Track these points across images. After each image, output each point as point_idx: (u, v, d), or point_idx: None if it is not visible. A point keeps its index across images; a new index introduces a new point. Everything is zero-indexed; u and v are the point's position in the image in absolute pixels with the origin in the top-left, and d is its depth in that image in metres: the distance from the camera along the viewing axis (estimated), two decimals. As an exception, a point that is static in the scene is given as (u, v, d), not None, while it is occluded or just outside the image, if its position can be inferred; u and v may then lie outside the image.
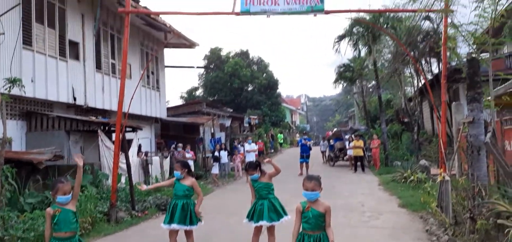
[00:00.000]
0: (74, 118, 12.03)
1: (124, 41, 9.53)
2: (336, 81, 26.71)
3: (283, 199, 6.15)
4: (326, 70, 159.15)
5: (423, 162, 14.39)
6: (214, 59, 39.94)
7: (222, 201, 11.90)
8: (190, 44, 19.72)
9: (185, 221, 5.69)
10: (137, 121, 15.85)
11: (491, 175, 7.49)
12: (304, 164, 17.73)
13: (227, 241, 7.39)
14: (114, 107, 13.81)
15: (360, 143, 18.14)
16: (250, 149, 18.31)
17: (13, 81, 8.04)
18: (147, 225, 8.98)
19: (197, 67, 38.16)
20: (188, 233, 5.87)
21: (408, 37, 15.74)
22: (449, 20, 8.66)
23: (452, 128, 10.05)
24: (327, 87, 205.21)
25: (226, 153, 17.40)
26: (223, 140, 21.30)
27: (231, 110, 30.76)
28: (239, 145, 20.92)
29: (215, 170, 16.13)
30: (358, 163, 18.09)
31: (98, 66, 14.26)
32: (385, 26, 18.65)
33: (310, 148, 18.60)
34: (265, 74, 40.72)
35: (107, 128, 12.38)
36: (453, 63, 13.68)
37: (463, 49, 9.45)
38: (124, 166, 10.70)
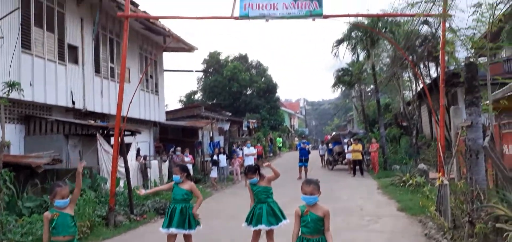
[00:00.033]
0: (72, 122, 12.02)
1: (123, 45, 9.55)
2: (334, 85, 26.80)
3: (282, 203, 6.15)
4: (324, 74, 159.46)
5: (421, 166, 14.40)
6: (213, 63, 39.99)
7: (220, 205, 11.88)
8: (189, 48, 19.74)
9: (183, 225, 5.68)
10: (136, 125, 15.84)
11: (490, 179, 7.51)
12: (303, 168, 17.72)
13: (225, 245, 7.37)
14: (113, 111, 13.80)
15: (359, 147, 18.15)
16: (248, 153, 18.31)
17: (12, 85, 8.03)
18: (145, 229, 8.96)
19: (196, 71, 38.19)
20: (187, 237, 5.86)
21: (406, 42, 15.78)
22: (447, 25, 8.70)
23: (450, 132, 10.07)
24: (325, 91, 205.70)
25: (224, 157, 17.40)
26: (222, 144, 21.31)
27: (230, 114, 30.76)
28: (238, 149, 20.91)
29: (214, 174, 16.11)
30: (357, 167, 18.08)
31: (97, 70, 14.26)
32: (383, 30, 18.71)
33: (309, 152, 18.59)
34: (264, 78, 40.76)
35: (105, 132, 12.37)
36: (451, 67, 13.70)
37: (461, 54, 9.48)
38: (122, 170, 10.69)
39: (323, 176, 17.18)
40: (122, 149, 10.11)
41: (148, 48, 18.14)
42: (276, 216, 5.70)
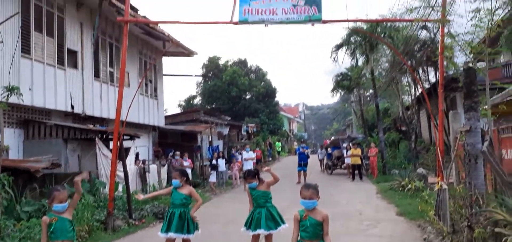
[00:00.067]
0: (71, 126, 12.02)
1: (122, 50, 9.56)
2: (333, 89, 26.85)
3: (280, 207, 6.14)
4: (323, 78, 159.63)
5: (420, 170, 14.40)
6: (212, 67, 40.03)
7: (219, 209, 11.86)
8: (189, 53, 19.77)
9: (182, 229, 5.67)
10: (135, 129, 15.83)
11: (489, 183, 7.51)
12: (302, 172, 17.70)
13: (224, 250, 7.35)
14: (112, 115, 13.80)
15: (358, 151, 18.15)
16: (248, 157, 18.28)
17: (11, 89, 8.03)
18: (144, 234, 8.93)
19: (195, 76, 38.36)
20: (186, 242, 5.85)
21: (405, 47, 15.83)
22: (446, 30, 8.74)
23: (449, 136, 10.08)
24: (325, 96, 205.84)
25: (223, 161, 17.37)
26: (221, 148, 21.26)
27: (229, 118, 30.76)
28: (237, 153, 20.89)
29: (213, 178, 16.09)
30: (356, 172, 18.07)
31: (96, 75, 14.27)
32: (382, 35, 18.77)
33: (308, 156, 18.59)
34: (263, 83, 40.79)
35: (104, 136, 12.36)
36: (450, 72, 13.73)
37: (460, 59, 9.51)
38: (121, 174, 10.67)
39: (322, 181, 17.17)
40: (121, 154, 10.10)
41: (147, 53, 18.16)
42: (275, 220, 5.70)
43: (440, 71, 9.24)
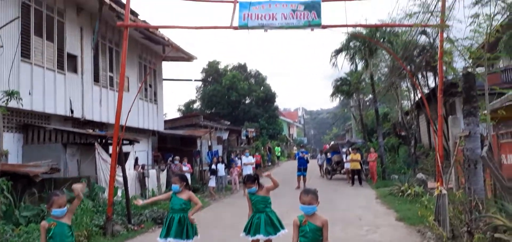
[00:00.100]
0: (71, 130, 12.01)
1: (122, 54, 9.57)
2: (333, 94, 26.85)
3: (280, 212, 6.13)
4: (323, 83, 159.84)
5: (420, 175, 14.39)
6: (212, 72, 40.08)
7: (218, 214, 11.83)
8: (188, 58, 19.80)
9: (181, 235, 5.65)
10: (134, 133, 15.83)
11: (488, 188, 7.51)
12: (302, 177, 17.67)
13: (224, 255, 7.33)
14: (112, 120, 13.80)
15: (358, 156, 18.14)
16: (247, 162, 18.27)
17: (10, 94, 8.03)
18: (143, 239, 8.90)
19: (195, 80, 38.25)
20: (185, 247, 5.82)
21: (404, 52, 15.87)
22: (445, 35, 8.76)
23: (449, 141, 10.09)
24: (324, 100, 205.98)
25: (223, 166, 17.35)
26: (220, 153, 21.28)
27: (229, 123, 30.75)
28: (236, 158, 20.87)
29: (212, 183, 16.06)
30: (356, 177, 18.06)
31: (96, 79, 14.28)
32: (381, 40, 18.81)
33: (307, 161, 18.56)
34: (262, 87, 40.85)
35: (104, 141, 12.35)
36: (449, 77, 13.77)
37: (459, 64, 9.53)
38: (120, 179, 10.65)
39: (322, 186, 17.15)
40: (120, 158, 10.09)
41: (147, 57, 18.18)
42: (274, 225, 5.68)
43: (439, 76, 9.25)
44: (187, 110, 39.19)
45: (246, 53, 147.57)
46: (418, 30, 13.75)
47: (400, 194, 12.79)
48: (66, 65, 12.66)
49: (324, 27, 8.92)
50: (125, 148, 13.14)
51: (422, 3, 10.12)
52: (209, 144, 21.56)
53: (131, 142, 13.86)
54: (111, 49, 15.38)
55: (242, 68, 41.42)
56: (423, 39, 16.49)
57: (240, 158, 19.95)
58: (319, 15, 8.86)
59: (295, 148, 46.35)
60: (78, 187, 4.49)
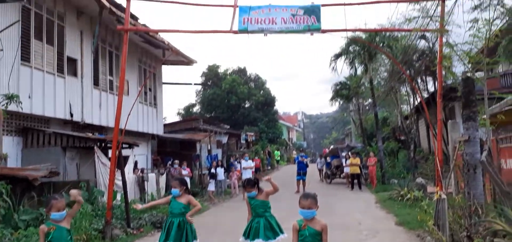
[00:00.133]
0: (70, 134, 12.00)
1: (122, 58, 9.58)
2: (332, 98, 26.89)
3: (279, 216, 6.12)
4: (322, 87, 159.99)
5: (419, 180, 14.39)
6: (212, 76, 40.13)
7: (218, 218, 11.82)
8: (188, 61, 19.82)
9: (181, 239, 5.63)
10: (134, 137, 15.81)
11: (488, 193, 7.50)
12: (301, 181, 17.66)
13: (223, 259, 7.30)
14: (111, 124, 13.79)
15: (357, 160, 18.14)
16: (246, 166, 18.26)
17: (10, 97, 8.04)
18: (142, 243, 8.89)
19: (195, 84, 38.32)
20: (184, 251, 5.80)
21: (404, 56, 15.90)
22: (444, 40, 8.78)
23: (448, 146, 10.10)
24: (324, 105, 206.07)
25: (222, 170, 17.34)
26: (219, 157, 21.25)
27: (228, 127, 30.76)
28: (236, 162, 20.87)
29: (212, 187, 16.04)
30: (355, 181, 18.04)
31: (96, 83, 14.29)
32: (381, 45, 18.84)
33: (307, 165, 18.55)
34: (262, 91, 40.88)
35: (103, 144, 12.33)
36: (449, 82, 13.80)
37: (458, 68, 9.59)
38: (120, 183, 10.64)
39: (321, 190, 17.14)
40: (120, 162, 10.08)
41: (147, 61, 18.20)
42: (273, 230, 5.67)
43: (438, 80, 9.26)
44: (187, 114, 39.20)
45: (246, 57, 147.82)
46: (417, 34, 13.78)
47: (399, 198, 12.78)
48: (66, 68, 12.67)
49: (324, 31, 8.94)
50: (125, 152, 13.12)
51: (422, 8, 10.14)
52: (209, 148, 21.55)
53: (131, 146, 13.84)
54: (111, 52, 15.40)
55: (241, 72, 41.47)
56: (422, 43, 16.55)
57: (240, 162, 19.94)
58: (318, 20, 8.88)
59: (294, 152, 46.37)
60: (75, 192, 4.49)
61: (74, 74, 13.18)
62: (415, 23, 10.05)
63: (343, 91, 25.35)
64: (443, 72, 9.26)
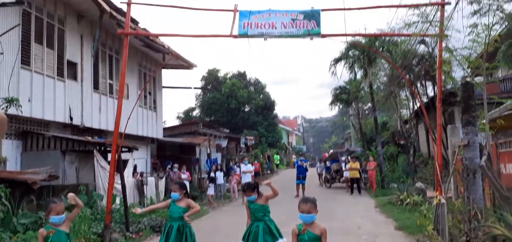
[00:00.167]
0: (70, 138, 12.00)
1: (122, 62, 9.58)
2: (332, 103, 26.91)
3: (278, 221, 6.11)
4: (322, 91, 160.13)
5: (419, 184, 14.37)
6: (212, 80, 40.16)
7: (217, 222, 11.79)
8: (188, 65, 19.85)
9: (180, 243, 5.63)
10: (133, 141, 15.81)
11: (487, 198, 7.50)
12: (301, 185, 17.64)
13: (222, 263, 7.29)
14: (111, 127, 13.78)
15: (357, 165, 18.12)
16: (246, 170, 18.24)
17: (10, 101, 8.05)
18: (141, 247, 8.87)
19: (195, 88, 38.35)
20: (183, 255, 5.79)
21: (403, 61, 15.93)
22: (443, 45, 8.80)
23: (447, 151, 10.10)
24: (323, 109, 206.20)
25: (222, 174, 17.33)
26: (219, 161, 21.24)
27: (228, 131, 30.76)
28: (235, 166, 20.85)
29: (211, 191, 16.02)
30: (355, 185, 18.02)
31: (96, 86, 14.30)
32: (380, 49, 18.88)
33: (306, 170, 18.54)
34: (262, 95, 40.92)
35: (102, 148, 12.33)
36: (448, 87, 13.82)
37: (458, 73, 9.57)
38: (119, 186, 10.62)
39: (321, 194, 17.10)
40: (119, 166, 10.07)
41: (147, 65, 18.22)
42: (272, 234, 5.66)
43: (438, 85, 9.27)
44: (187, 118, 39.20)
45: (246, 61, 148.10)
46: (417, 39, 13.81)
47: (399, 203, 12.77)
48: (66, 72, 12.68)
49: (324, 36, 8.95)
50: (124, 156, 13.12)
51: (421, 13, 10.16)
52: (208, 151, 21.54)
53: (130, 150, 13.84)
54: (111, 56, 15.42)
55: (241, 76, 41.50)
56: (422, 48, 16.59)
57: (239, 166, 19.92)
58: (318, 24, 8.89)
59: (294, 156, 46.35)
60: (72, 195, 4.49)
61: (74, 77, 13.19)
62: (415, 28, 10.06)
63: (342, 96, 25.39)
64: (443, 77, 9.27)
